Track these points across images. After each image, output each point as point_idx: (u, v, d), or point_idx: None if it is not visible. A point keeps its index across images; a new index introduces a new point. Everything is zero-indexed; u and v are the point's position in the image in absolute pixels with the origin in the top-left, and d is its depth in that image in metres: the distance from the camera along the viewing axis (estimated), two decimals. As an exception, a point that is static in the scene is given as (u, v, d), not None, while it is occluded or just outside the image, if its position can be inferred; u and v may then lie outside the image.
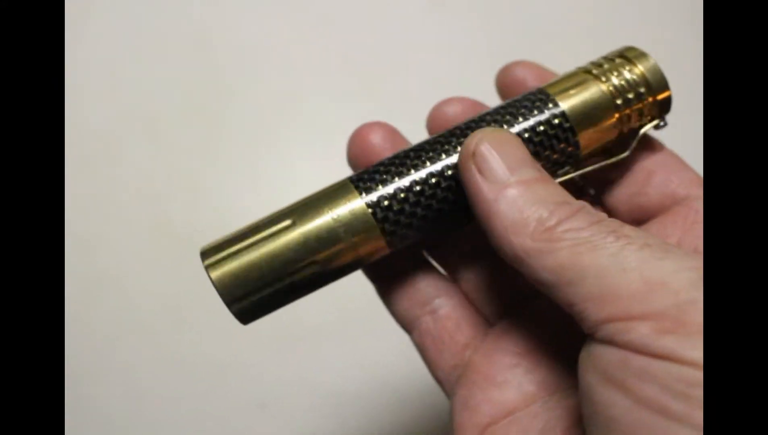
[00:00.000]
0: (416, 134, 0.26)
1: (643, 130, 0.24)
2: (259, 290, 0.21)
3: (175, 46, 0.52)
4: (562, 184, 0.23)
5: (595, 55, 0.25)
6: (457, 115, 0.26)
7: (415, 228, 0.22)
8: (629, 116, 0.23)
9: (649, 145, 0.25)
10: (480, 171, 0.20)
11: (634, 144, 0.24)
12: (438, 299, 0.25)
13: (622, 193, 0.25)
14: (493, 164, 0.20)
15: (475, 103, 0.26)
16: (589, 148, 0.24)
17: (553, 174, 0.23)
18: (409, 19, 0.54)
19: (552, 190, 0.19)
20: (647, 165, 0.25)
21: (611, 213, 0.26)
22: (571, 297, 0.17)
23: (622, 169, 0.25)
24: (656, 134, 0.25)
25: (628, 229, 0.18)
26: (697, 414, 0.14)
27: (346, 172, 0.25)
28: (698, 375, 0.14)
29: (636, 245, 0.17)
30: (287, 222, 0.22)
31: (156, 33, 0.53)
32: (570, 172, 0.24)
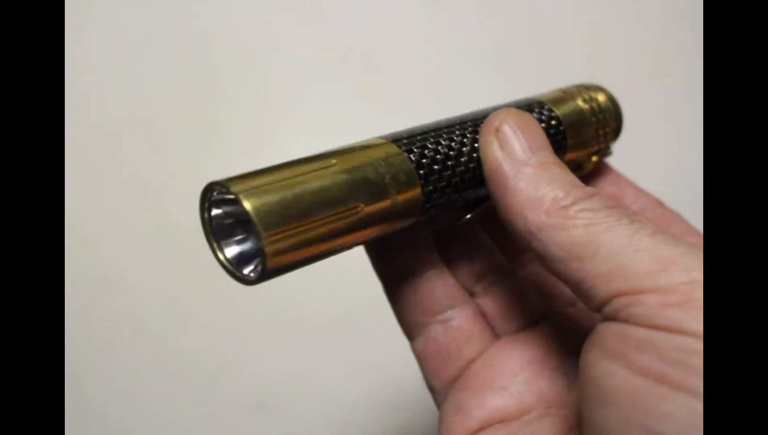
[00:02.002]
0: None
1: (594, 159, 0.26)
2: (300, 231, 0.18)
3: (175, 46, 0.52)
4: None
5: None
6: None
7: (447, 194, 0.22)
8: (599, 136, 0.26)
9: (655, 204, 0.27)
10: (501, 147, 0.20)
11: (590, 166, 0.26)
12: (452, 309, 0.24)
13: None
14: (514, 142, 0.20)
15: None
16: (566, 160, 0.25)
17: None
18: (409, 19, 0.54)
19: (568, 174, 0.20)
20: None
21: None
22: (581, 273, 0.17)
23: None
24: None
25: (641, 217, 0.18)
26: (695, 381, 0.14)
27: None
28: (698, 344, 0.14)
29: (649, 230, 0.17)
30: (332, 161, 0.20)
31: (156, 33, 0.53)
32: None
